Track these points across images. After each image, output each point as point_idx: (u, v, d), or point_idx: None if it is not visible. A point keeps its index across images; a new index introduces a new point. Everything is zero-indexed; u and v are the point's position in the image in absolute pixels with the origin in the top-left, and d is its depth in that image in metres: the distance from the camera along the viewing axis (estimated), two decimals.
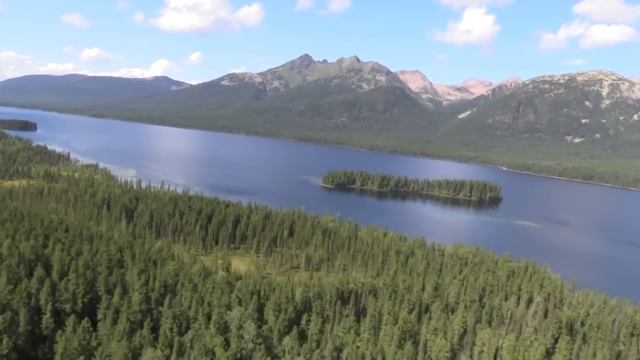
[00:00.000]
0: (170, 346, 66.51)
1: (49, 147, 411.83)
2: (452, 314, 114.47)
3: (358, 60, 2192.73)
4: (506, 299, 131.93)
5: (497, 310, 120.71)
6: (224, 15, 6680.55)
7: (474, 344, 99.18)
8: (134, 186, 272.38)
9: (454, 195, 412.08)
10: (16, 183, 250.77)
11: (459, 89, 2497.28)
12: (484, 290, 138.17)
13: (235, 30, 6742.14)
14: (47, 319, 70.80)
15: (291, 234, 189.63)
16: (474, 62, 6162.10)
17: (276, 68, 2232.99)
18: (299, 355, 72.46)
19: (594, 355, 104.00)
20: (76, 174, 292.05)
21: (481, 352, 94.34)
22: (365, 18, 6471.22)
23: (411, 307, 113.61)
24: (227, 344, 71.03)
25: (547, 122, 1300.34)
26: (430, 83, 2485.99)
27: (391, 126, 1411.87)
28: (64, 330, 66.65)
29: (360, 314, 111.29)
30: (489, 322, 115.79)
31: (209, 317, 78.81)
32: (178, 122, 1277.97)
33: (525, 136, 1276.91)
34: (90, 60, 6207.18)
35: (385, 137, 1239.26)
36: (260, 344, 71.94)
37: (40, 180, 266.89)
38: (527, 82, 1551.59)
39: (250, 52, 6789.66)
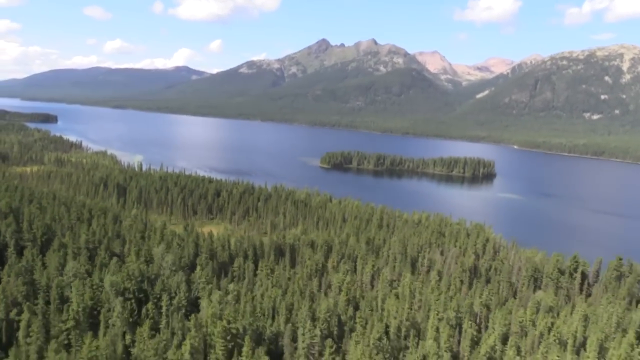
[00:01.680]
0: (93, 264, 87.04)
1: (65, 137, 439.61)
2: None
3: (375, 43, 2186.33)
4: (442, 254, 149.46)
5: (419, 260, 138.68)
6: (241, 2, 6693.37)
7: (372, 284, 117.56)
8: (136, 169, 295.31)
9: (448, 172, 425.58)
10: (28, 169, 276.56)
11: (479, 69, 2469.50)
12: (422, 246, 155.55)
13: (254, 17, 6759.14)
14: (10, 251, 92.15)
15: (266, 205, 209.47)
16: (495, 40, 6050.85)
17: (294, 54, 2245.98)
18: (209, 283, 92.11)
19: (497, 292, 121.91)
20: (84, 160, 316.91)
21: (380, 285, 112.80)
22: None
23: (340, 257, 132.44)
24: (147, 269, 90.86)
25: (565, 100, 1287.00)
26: (450, 64, 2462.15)
27: (407, 108, 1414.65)
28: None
29: (294, 263, 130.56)
30: (412, 270, 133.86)
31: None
32: (196, 110, 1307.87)
33: (542, 114, 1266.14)
34: (114, 52, 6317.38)
35: (400, 119, 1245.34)
36: (175, 270, 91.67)
37: (51, 166, 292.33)
38: (545, 59, 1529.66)
39: (270, 38, 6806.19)
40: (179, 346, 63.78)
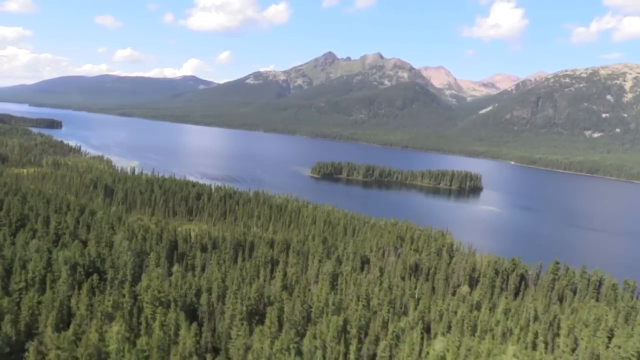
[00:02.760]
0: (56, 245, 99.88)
1: (66, 141, 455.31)
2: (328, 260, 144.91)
3: (381, 57, 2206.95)
4: (398, 256, 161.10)
5: (371, 259, 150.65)
6: (251, 15, 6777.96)
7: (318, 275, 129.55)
8: (128, 172, 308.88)
9: (435, 185, 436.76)
10: (25, 170, 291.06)
11: (485, 85, 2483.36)
12: (379, 248, 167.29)
13: (263, 29, 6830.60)
14: None
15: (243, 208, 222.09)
16: (502, 57, 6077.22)
17: (300, 66, 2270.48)
18: (158, 266, 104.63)
19: (433, 289, 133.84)
20: (80, 164, 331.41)
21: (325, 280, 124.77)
22: (391, 15, 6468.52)
23: (295, 254, 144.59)
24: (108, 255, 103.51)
25: (566, 117, 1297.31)
26: (455, 79, 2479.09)
27: (409, 122, 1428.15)
28: None
29: (250, 257, 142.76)
30: (361, 268, 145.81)
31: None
32: (200, 120, 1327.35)
33: (543, 131, 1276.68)
34: (124, 60, 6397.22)
35: (401, 133, 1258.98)
36: (132, 256, 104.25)
37: (48, 168, 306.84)
38: (549, 77, 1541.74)
39: (278, 50, 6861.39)
40: (114, 306, 75.99)
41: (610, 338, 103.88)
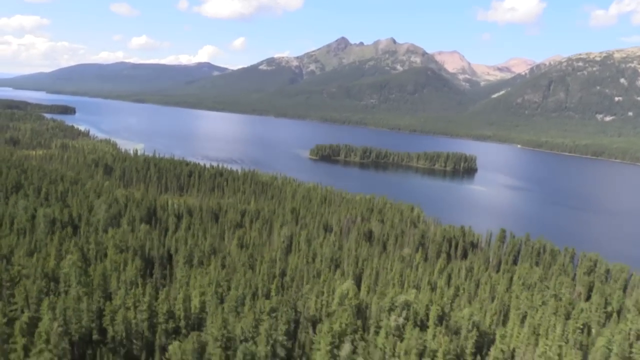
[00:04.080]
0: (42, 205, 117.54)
1: (76, 126, 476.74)
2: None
3: (394, 42, 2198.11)
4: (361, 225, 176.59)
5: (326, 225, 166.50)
6: (265, 1, 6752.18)
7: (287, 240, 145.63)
8: (130, 153, 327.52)
9: (430, 166, 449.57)
10: (35, 152, 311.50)
11: (499, 69, 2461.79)
12: (349, 218, 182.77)
13: (277, 15, 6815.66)
14: None
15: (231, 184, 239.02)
16: (518, 41, 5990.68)
17: (313, 51, 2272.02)
18: (129, 225, 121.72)
19: (383, 252, 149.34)
20: (86, 146, 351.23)
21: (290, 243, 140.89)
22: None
23: (263, 221, 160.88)
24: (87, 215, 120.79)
25: (578, 101, 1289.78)
26: (469, 63, 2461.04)
27: (419, 107, 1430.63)
28: None
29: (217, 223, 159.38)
30: (325, 231, 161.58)
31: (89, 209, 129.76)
32: (212, 106, 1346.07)
33: (554, 115, 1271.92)
34: (139, 48, 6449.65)
35: (410, 117, 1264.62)
36: (107, 216, 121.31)
37: (56, 150, 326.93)
38: (562, 61, 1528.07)
39: (293, 36, 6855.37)
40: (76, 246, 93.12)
41: (527, 291, 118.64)
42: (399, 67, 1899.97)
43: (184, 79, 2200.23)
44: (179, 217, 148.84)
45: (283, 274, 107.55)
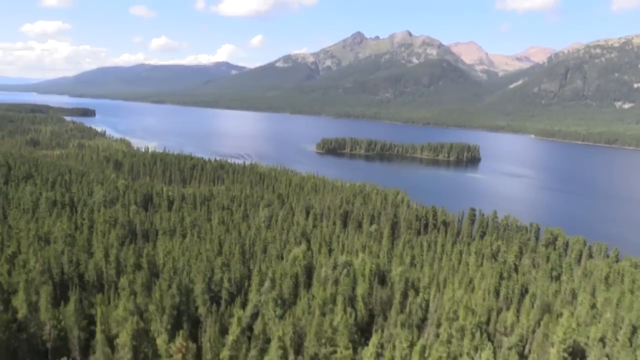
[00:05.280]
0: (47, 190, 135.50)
1: (94, 127, 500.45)
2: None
3: (410, 34, 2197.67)
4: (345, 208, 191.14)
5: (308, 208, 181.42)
6: None
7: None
8: (142, 151, 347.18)
9: (434, 157, 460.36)
10: (53, 152, 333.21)
11: (518, 59, 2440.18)
12: (334, 203, 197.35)
13: (294, 12, 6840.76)
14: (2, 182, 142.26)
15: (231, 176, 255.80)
16: (538, 29, 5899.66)
17: (329, 47, 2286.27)
18: (123, 206, 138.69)
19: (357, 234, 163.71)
20: (100, 145, 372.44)
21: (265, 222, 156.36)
22: None
23: (251, 205, 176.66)
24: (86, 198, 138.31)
25: (596, 88, 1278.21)
26: (487, 54, 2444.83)
27: (434, 99, 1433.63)
28: None
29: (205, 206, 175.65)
30: (306, 216, 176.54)
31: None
32: (229, 104, 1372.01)
33: (571, 104, 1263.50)
34: (159, 49, 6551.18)
35: (425, 110, 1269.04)
36: (103, 199, 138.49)
37: (73, 149, 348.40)
38: (580, 48, 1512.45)
39: (310, 32, 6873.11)
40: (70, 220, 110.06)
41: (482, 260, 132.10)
42: (414, 60, 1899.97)
43: (202, 78, 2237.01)
44: (171, 202, 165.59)
45: (253, 244, 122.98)
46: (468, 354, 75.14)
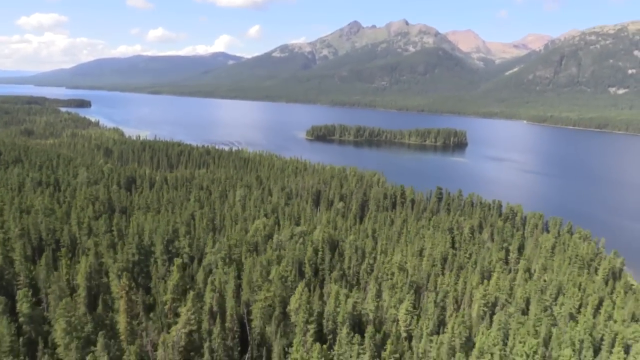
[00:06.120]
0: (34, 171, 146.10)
1: (89, 117, 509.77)
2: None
3: (407, 23, 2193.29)
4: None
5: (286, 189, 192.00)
6: None
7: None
8: (133, 139, 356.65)
9: (421, 142, 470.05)
10: (46, 141, 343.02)
11: (515, 46, 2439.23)
12: (313, 184, 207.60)
13: (291, 1, 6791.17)
14: None
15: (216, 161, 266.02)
16: (536, 17, 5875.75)
17: (325, 36, 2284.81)
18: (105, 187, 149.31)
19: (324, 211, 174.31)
20: (93, 134, 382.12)
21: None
22: None
23: (229, 187, 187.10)
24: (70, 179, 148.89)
25: (590, 75, 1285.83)
26: (484, 41, 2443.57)
27: (430, 87, 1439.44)
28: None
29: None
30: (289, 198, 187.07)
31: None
32: (226, 94, 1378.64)
33: (565, 90, 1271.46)
34: (156, 40, 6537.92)
35: (420, 98, 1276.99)
36: (86, 180, 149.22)
37: (66, 139, 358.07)
38: (575, 35, 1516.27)
39: (308, 22, 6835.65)
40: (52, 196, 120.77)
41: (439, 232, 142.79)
42: (411, 48, 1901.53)
43: (200, 69, 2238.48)
44: (153, 184, 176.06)
45: (223, 219, 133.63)
46: (394, 306, 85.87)
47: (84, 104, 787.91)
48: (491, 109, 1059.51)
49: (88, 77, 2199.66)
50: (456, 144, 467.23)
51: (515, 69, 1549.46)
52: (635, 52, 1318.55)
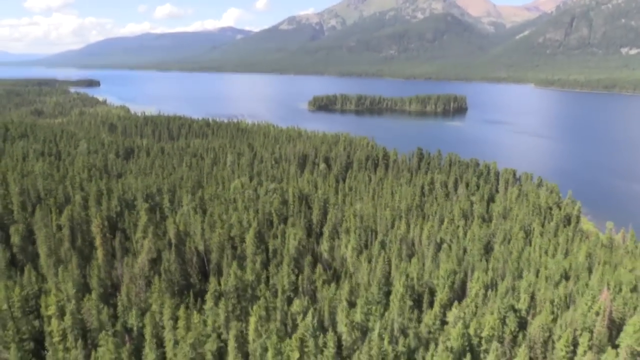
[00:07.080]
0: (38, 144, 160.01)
1: (97, 96, 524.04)
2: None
3: None
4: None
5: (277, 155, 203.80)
6: None
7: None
8: (138, 115, 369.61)
9: (422, 109, 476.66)
10: (55, 120, 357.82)
11: (528, 9, 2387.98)
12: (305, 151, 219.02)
13: None
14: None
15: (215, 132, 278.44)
16: None
17: (333, 6, 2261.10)
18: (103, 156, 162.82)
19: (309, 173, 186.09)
20: (100, 112, 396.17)
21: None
22: None
23: (223, 156, 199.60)
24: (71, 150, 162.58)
25: (602, 36, 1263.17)
26: (494, 5, 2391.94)
27: (438, 54, 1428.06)
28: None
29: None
30: (276, 163, 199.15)
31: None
32: (234, 68, 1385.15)
33: (576, 52, 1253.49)
34: (164, 17, 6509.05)
35: (428, 65, 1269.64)
36: (85, 151, 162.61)
37: (74, 117, 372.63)
38: None
39: None
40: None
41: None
42: (419, 15, 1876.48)
43: (208, 44, 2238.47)
44: (149, 154, 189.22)
45: (207, 179, 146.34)
46: (354, 248, 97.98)
47: (93, 83, 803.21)
48: (499, 74, 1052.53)
49: (97, 57, 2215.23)
50: (456, 109, 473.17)
51: (526, 33, 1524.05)
52: None
